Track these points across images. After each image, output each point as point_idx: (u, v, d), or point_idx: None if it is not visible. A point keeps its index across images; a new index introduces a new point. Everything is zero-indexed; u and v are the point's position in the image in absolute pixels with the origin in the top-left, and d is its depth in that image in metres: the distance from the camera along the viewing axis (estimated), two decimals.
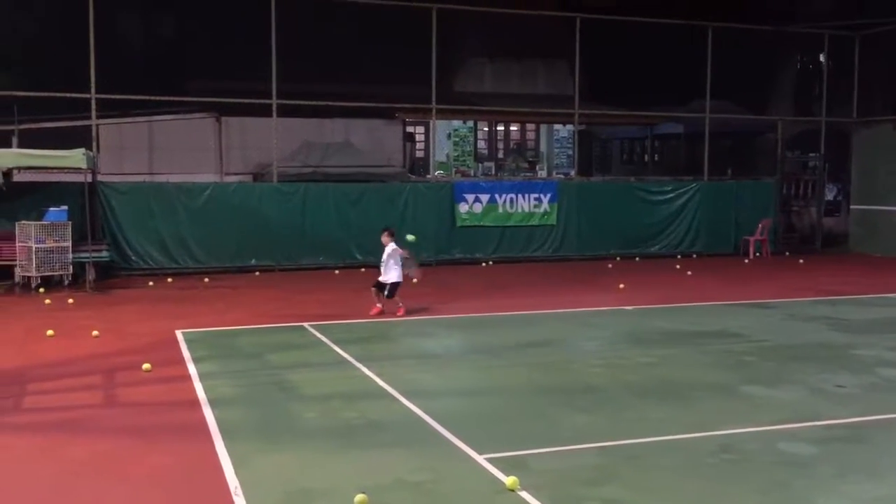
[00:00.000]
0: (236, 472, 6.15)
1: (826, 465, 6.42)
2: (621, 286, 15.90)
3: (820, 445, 6.85)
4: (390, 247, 12.79)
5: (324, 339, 11.07)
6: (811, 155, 24.34)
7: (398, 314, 12.66)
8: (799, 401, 8.20)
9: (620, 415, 7.73)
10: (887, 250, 21.56)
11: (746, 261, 20.95)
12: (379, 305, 12.81)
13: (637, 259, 20.74)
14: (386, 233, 12.98)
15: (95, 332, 11.21)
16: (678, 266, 19.40)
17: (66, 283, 15.60)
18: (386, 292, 12.67)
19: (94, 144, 17.48)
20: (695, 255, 21.42)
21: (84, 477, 6.20)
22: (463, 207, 19.79)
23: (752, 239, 21.60)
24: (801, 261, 20.78)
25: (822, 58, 25.04)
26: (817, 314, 13.12)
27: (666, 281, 17.19)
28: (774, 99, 27.50)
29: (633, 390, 8.56)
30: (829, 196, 27.26)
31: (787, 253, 22.09)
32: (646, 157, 33.82)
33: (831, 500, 5.81)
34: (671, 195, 21.65)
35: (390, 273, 12.68)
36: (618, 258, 20.65)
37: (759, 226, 21.70)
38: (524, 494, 5.73)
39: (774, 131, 24.48)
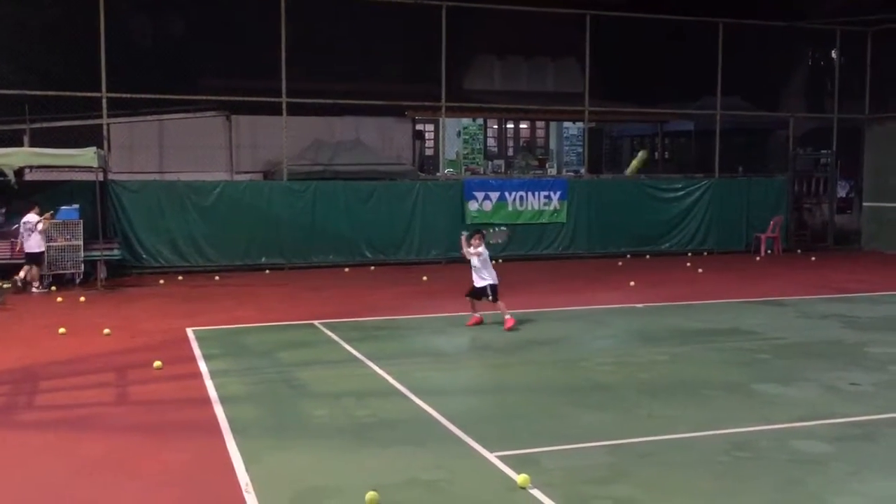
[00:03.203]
0: (247, 470, 6.15)
1: (840, 463, 6.38)
2: (632, 284, 15.86)
3: (834, 443, 6.80)
4: (483, 251, 11.64)
5: (334, 336, 11.07)
6: (823, 152, 24.21)
7: (507, 326, 11.44)
8: (812, 399, 8.16)
9: (632, 413, 7.69)
10: None
11: (758, 258, 20.86)
12: (477, 315, 11.81)
13: (648, 257, 20.67)
14: (478, 236, 11.78)
15: (107, 330, 11.24)
16: (689, 264, 19.32)
17: (78, 281, 15.66)
18: (490, 297, 11.57)
19: (105, 143, 17.54)
20: (706, 253, 21.34)
21: (96, 474, 6.21)
22: (473, 205, 19.75)
23: (763, 236, 21.49)
24: (812, 258, 20.68)
25: (833, 54, 24.89)
26: (830, 312, 13.04)
27: (677, 278, 17.12)
28: (786, 95, 27.36)
29: (644, 388, 8.52)
30: (842, 193, 27.06)
31: (799, 250, 21.99)
32: (656, 155, 33.70)
33: (846, 497, 5.77)
34: (682, 192, 21.56)
35: (486, 274, 11.59)
36: (628, 256, 20.59)
37: (771, 223, 21.59)
38: (536, 492, 5.71)
39: (786, 128, 24.37)
